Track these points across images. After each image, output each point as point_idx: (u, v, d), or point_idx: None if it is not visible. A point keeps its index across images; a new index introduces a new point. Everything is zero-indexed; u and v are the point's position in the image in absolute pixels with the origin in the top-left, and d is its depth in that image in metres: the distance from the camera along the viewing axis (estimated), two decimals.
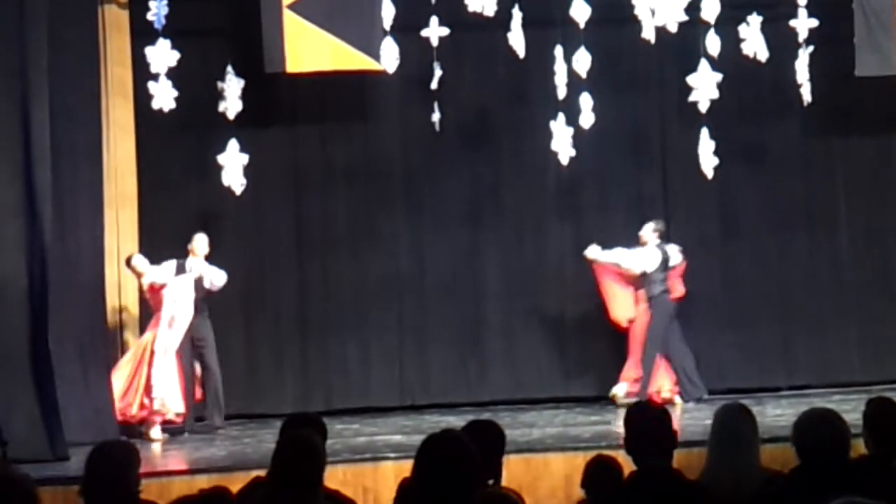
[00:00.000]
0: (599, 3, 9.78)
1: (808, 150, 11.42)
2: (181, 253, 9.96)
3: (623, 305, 10.61)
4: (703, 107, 9.96)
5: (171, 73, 9.36)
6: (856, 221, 11.46)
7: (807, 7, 9.98)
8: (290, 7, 9.65)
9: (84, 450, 4.73)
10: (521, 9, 9.85)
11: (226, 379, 10.23)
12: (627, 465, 4.35)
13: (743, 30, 10.02)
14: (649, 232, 10.54)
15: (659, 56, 10.47)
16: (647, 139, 11.31)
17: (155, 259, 9.94)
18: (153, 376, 9.53)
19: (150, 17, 9.35)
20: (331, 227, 10.76)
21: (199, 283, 9.81)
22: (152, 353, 9.57)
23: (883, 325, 11.36)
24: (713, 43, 9.79)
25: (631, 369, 10.54)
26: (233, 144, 9.86)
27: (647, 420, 4.19)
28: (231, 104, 9.94)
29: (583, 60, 9.80)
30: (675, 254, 10.63)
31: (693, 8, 9.73)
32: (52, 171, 8.90)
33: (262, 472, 5.03)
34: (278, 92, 10.48)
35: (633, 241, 11.28)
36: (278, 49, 9.65)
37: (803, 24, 9.99)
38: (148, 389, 9.53)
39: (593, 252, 10.52)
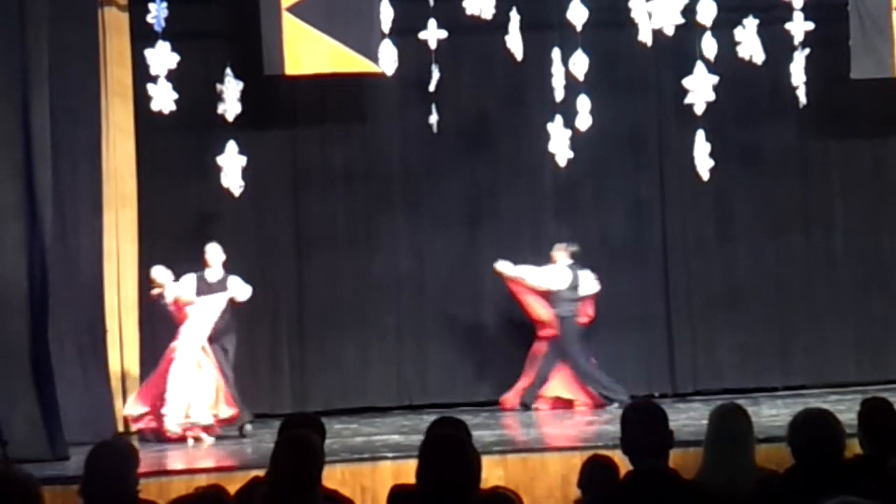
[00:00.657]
0: (596, 6, 9.81)
1: (804, 152, 11.47)
2: (180, 253, 9.98)
3: (542, 307, 10.65)
4: (699, 109, 10.00)
5: (171, 75, 9.38)
6: (851, 223, 11.51)
7: (802, 10, 10.02)
8: (290, 9, 9.68)
9: (83, 449, 4.75)
10: (518, 12, 9.88)
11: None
12: (624, 464, 4.38)
13: (739, 33, 10.06)
14: (560, 251, 10.61)
15: (656, 59, 10.52)
16: (644, 141, 11.36)
17: (156, 261, 9.96)
18: (175, 390, 9.43)
19: (149, 19, 9.37)
20: (329, 228, 10.80)
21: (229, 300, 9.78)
22: (172, 364, 9.50)
23: (878, 326, 11.41)
24: (709, 46, 9.82)
25: (522, 380, 10.61)
26: (231, 146, 9.89)
27: (644, 420, 4.22)
28: (230, 106, 9.96)
29: (580, 63, 9.84)
30: (589, 281, 10.67)
31: (689, 11, 9.76)
32: (52, 172, 8.93)
33: (260, 472, 5.07)
34: (277, 94, 10.52)
35: (630, 241, 11.36)
36: (277, 51, 9.68)
37: (799, 26, 10.03)
38: (163, 402, 9.44)
39: (502, 266, 10.55)
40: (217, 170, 9.91)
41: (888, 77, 10.39)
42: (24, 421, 8.62)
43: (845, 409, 5.30)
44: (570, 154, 10.13)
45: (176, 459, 8.80)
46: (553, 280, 10.58)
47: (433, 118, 9.97)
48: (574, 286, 10.60)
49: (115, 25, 10.18)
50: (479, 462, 3.77)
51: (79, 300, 9.57)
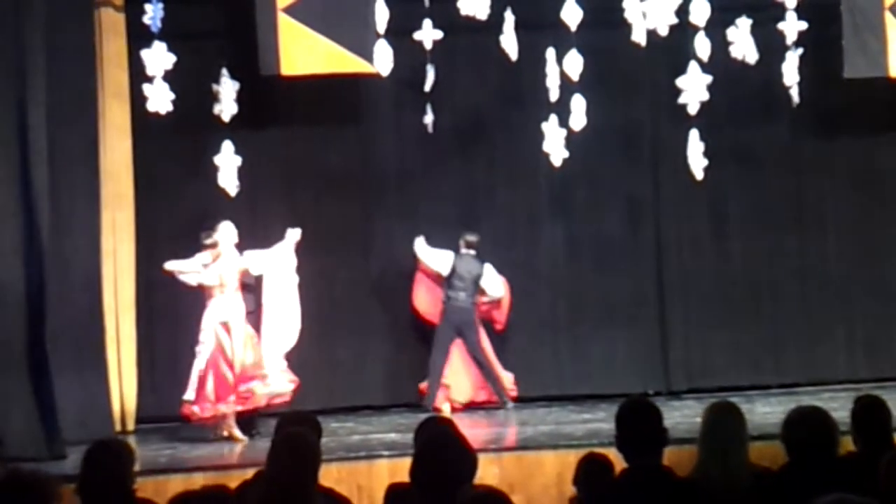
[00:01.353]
0: (591, 7, 9.84)
1: (798, 152, 11.51)
2: (177, 253, 9.99)
3: (424, 297, 10.79)
4: (693, 109, 10.03)
5: (167, 76, 9.40)
6: (845, 222, 11.55)
7: (795, 10, 10.05)
8: (285, 10, 9.71)
9: (80, 448, 4.77)
10: (513, 12, 9.90)
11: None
12: (619, 462, 4.42)
13: (732, 32, 10.09)
14: (461, 239, 10.65)
15: (649, 59, 10.54)
16: (638, 141, 11.39)
17: (153, 260, 9.98)
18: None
19: (146, 19, 9.37)
20: (325, 228, 10.81)
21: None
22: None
23: (871, 324, 11.46)
24: (703, 45, 9.85)
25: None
26: (227, 146, 9.91)
27: (638, 418, 4.25)
28: (226, 106, 9.98)
29: (574, 63, 9.86)
30: (493, 281, 10.67)
31: (683, 11, 9.79)
32: (49, 173, 8.95)
33: (257, 471, 5.10)
34: (273, 94, 10.53)
35: (624, 240, 11.39)
36: (273, 52, 9.70)
37: (792, 26, 10.06)
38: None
39: (418, 245, 10.70)
40: (213, 170, 9.93)
41: (881, 76, 10.43)
42: (21, 419, 8.64)
43: (838, 406, 5.33)
44: (565, 154, 10.15)
45: (171, 458, 8.81)
46: (438, 262, 10.64)
47: (428, 118, 9.99)
48: (463, 275, 10.54)
49: (111, 26, 10.19)
50: (474, 460, 3.80)
51: (76, 299, 9.59)
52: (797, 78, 10.11)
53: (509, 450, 8.33)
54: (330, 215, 10.97)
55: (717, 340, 11.32)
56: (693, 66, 9.95)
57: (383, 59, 9.78)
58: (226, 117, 10.00)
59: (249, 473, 5.62)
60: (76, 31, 9.73)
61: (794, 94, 10.17)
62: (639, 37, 9.85)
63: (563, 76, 9.94)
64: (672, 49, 10.13)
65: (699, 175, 10.24)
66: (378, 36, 9.75)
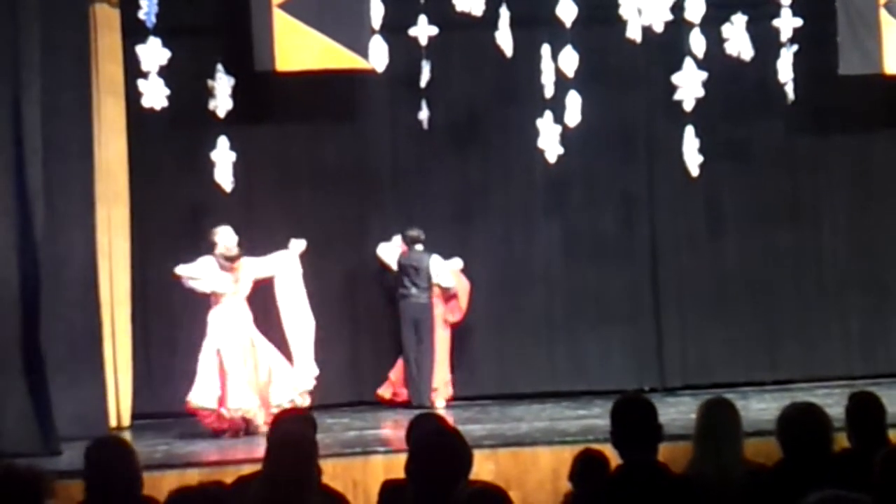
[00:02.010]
0: (586, 3, 9.84)
1: (793, 148, 11.52)
2: (173, 249, 9.99)
3: None
4: (689, 105, 10.04)
5: (162, 72, 9.38)
6: (840, 218, 11.57)
7: (790, 6, 10.06)
8: (280, 6, 9.70)
9: (75, 445, 4.78)
10: (508, 8, 9.90)
11: None
12: (614, 458, 4.43)
13: (727, 29, 10.09)
14: (403, 236, 10.67)
15: (645, 55, 10.54)
16: (633, 137, 11.40)
17: (149, 257, 9.98)
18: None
19: (141, 15, 9.35)
20: (320, 225, 10.81)
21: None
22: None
23: (866, 320, 11.48)
24: (698, 42, 9.86)
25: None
26: (223, 142, 9.90)
27: (633, 414, 4.26)
28: (221, 102, 9.96)
29: (569, 59, 9.87)
30: (439, 273, 10.61)
31: (678, 7, 9.79)
32: (43, 169, 8.93)
33: (253, 467, 5.10)
34: (268, 90, 10.52)
35: (619, 237, 11.40)
36: (268, 48, 9.70)
37: (787, 23, 10.06)
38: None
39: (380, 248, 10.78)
40: (208, 166, 9.92)
41: (876, 73, 10.45)
42: (17, 416, 8.64)
43: (833, 402, 5.34)
44: (560, 150, 10.16)
45: (166, 454, 8.81)
46: (384, 254, 10.71)
47: (423, 114, 9.99)
48: (411, 270, 10.53)
49: (106, 22, 10.17)
50: (469, 455, 3.81)
51: (71, 296, 9.57)
52: (792, 75, 10.12)
53: (505, 445, 8.33)
54: (325, 212, 10.97)
55: (712, 337, 11.34)
56: (688, 63, 9.96)
57: (378, 56, 9.78)
58: (221, 113, 9.98)
59: (245, 470, 5.64)
60: (71, 27, 9.70)
61: (789, 90, 10.18)
62: (634, 33, 9.86)
63: (559, 72, 9.94)
64: (667, 45, 10.14)
65: (694, 172, 10.25)
66: (373, 32, 9.75)
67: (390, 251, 10.75)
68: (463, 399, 10.79)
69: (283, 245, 10.52)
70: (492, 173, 11.29)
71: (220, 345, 9.53)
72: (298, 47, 9.75)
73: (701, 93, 10.00)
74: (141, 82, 9.42)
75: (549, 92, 10.01)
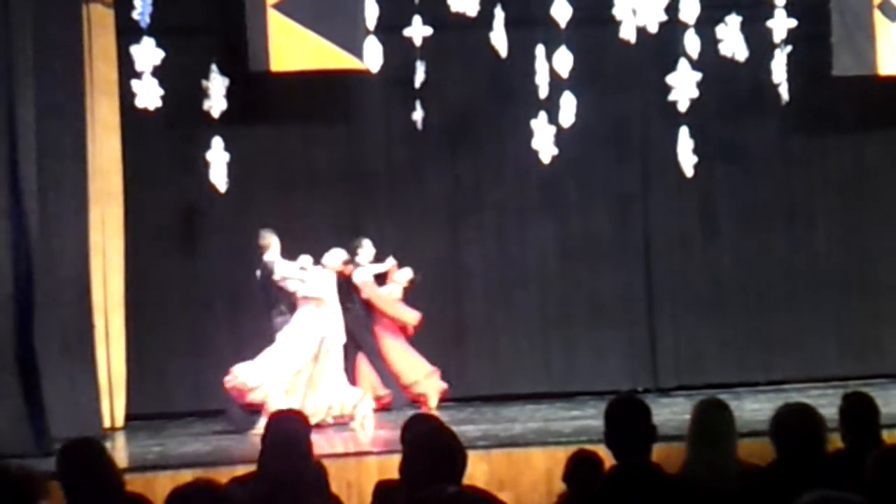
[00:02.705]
0: (580, 4, 9.84)
1: (787, 149, 11.54)
2: (167, 249, 9.99)
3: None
4: (683, 106, 10.04)
5: (156, 72, 9.37)
6: (833, 218, 11.59)
7: (785, 7, 10.07)
8: (275, 6, 9.69)
9: None
10: (503, 9, 9.91)
11: (215, 375, 10.30)
12: (608, 459, 4.42)
13: (721, 30, 10.10)
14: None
15: (639, 56, 10.54)
16: (628, 138, 11.41)
17: (142, 257, 9.97)
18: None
19: (135, 15, 9.32)
20: (315, 225, 10.81)
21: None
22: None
23: (859, 321, 11.50)
24: (692, 43, 9.87)
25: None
26: (217, 142, 9.89)
27: (628, 415, 4.26)
28: (216, 102, 9.95)
29: (564, 60, 9.87)
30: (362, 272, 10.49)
31: (673, 8, 9.80)
32: (37, 169, 8.92)
33: (246, 468, 5.08)
34: (263, 90, 10.52)
35: (613, 237, 11.41)
36: (262, 48, 9.69)
37: (781, 24, 10.07)
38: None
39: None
40: (203, 166, 9.91)
41: (870, 74, 10.46)
42: (10, 417, 8.62)
43: (827, 403, 5.33)
44: (555, 151, 10.16)
45: (160, 454, 8.80)
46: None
47: (417, 115, 9.99)
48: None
49: (100, 22, 10.16)
50: (463, 456, 3.80)
51: (65, 296, 9.56)
52: (786, 76, 10.13)
53: (499, 446, 8.33)
54: (319, 211, 10.97)
55: (705, 337, 11.35)
56: (683, 64, 9.96)
57: (373, 56, 9.78)
58: (215, 113, 9.97)
59: (239, 470, 5.62)
60: (65, 27, 9.69)
61: (783, 91, 10.19)
62: (628, 34, 9.86)
63: (553, 73, 9.95)
64: (662, 46, 10.14)
65: (689, 172, 10.25)
66: (368, 32, 9.74)
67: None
68: (457, 400, 10.79)
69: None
70: (486, 174, 11.30)
71: (288, 343, 9.56)
72: (293, 47, 9.74)
73: (695, 93, 10.01)
74: (135, 82, 9.41)
75: (543, 92, 10.01)
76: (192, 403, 10.70)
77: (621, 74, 11.09)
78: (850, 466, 3.95)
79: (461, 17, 9.71)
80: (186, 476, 7.50)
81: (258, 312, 10.70)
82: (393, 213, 11.10)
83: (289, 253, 10.27)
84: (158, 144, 10.67)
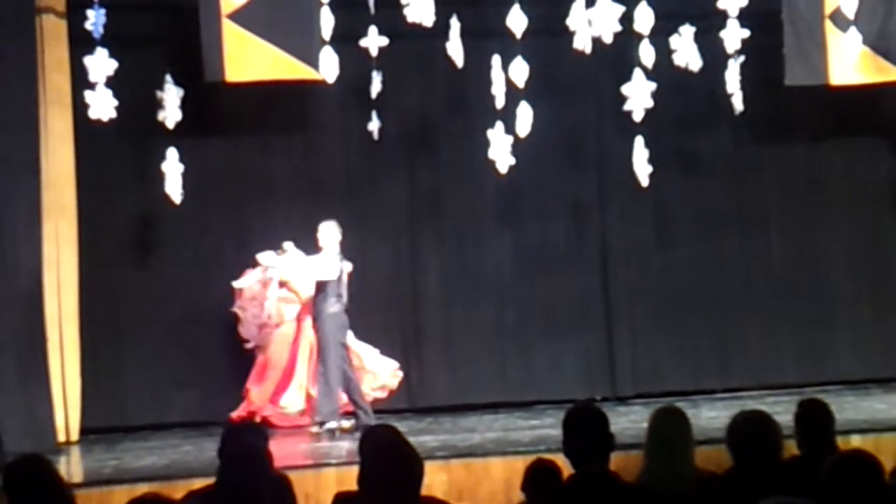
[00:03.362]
0: (536, 14, 9.88)
1: (741, 158, 11.64)
2: (122, 261, 9.90)
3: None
4: (638, 116, 10.10)
5: (111, 82, 9.30)
6: (787, 227, 11.70)
7: (738, 18, 10.16)
8: (230, 16, 9.64)
9: None
10: (459, 19, 9.93)
11: (171, 388, 10.25)
12: (566, 468, 4.43)
13: (675, 40, 10.18)
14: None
15: (595, 66, 10.60)
16: (584, 147, 11.45)
17: (96, 269, 9.88)
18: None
19: (88, 26, 9.27)
20: (272, 236, 10.75)
21: None
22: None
23: (814, 328, 11.61)
24: (647, 53, 9.93)
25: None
26: (172, 153, 9.83)
27: (585, 424, 4.27)
28: (170, 113, 9.89)
29: (520, 70, 9.91)
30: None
31: (627, 19, 9.87)
32: None
33: (203, 481, 5.05)
34: (218, 101, 10.46)
35: (570, 246, 11.45)
36: (217, 58, 9.63)
37: (734, 34, 10.16)
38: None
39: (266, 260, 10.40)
40: (158, 177, 9.84)
41: (822, 84, 10.58)
42: None
43: (782, 410, 5.38)
44: (511, 161, 10.18)
45: (116, 468, 8.72)
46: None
47: (374, 125, 9.97)
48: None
49: (52, 32, 10.06)
50: (421, 467, 3.80)
51: (18, 309, 9.46)
52: (739, 85, 10.22)
53: (458, 457, 8.33)
54: (276, 223, 10.91)
55: (662, 345, 11.41)
56: (638, 74, 10.03)
57: (329, 66, 9.76)
58: (170, 124, 9.91)
59: (196, 483, 5.59)
60: (17, 38, 9.59)
61: (736, 101, 10.28)
62: (584, 44, 9.91)
63: (509, 83, 9.98)
64: (617, 57, 10.20)
65: (644, 181, 10.31)
66: (324, 42, 9.72)
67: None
68: (415, 410, 10.77)
69: (231, 257, 10.52)
70: (443, 184, 11.30)
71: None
72: (248, 58, 9.70)
73: (650, 103, 10.07)
74: (88, 93, 9.34)
75: (499, 102, 10.03)
76: (148, 417, 10.61)
77: (577, 85, 11.15)
78: (806, 473, 3.98)
79: (417, 28, 9.72)
80: (143, 490, 7.42)
81: (215, 324, 10.66)
82: (350, 223, 11.04)
83: (245, 264, 10.23)
84: (113, 156, 10.58)
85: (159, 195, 9.86)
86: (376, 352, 10.38)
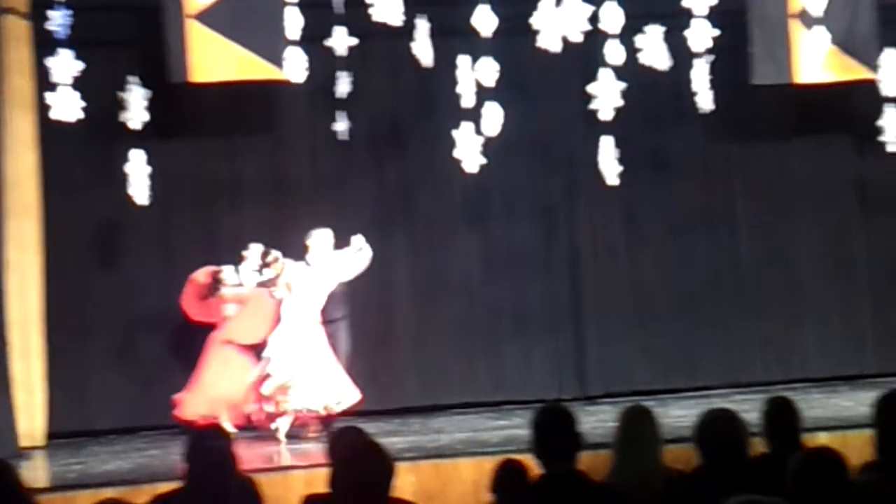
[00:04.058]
0: (504, 14, 9.87)
1: (709, 157, 11.68)
2: (86, 263, 9.81)
3: None
4: (606, 115, 10.11)
5: (74, 84, 9.22)
6: (754, 225, 11.75)
7: (706, 17, 10.19)
8: (194, 16, 9.58)
9: None
10: (426, 19, 9.91)
11: (136, 392, 10.16)
12: (535, 468, 4.42)
13: (642, 39, 10.20)
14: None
15: (563, 65, 10.60)
16: (552, 147, 11.45)
17: (60, 272, 9.78)
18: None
19: (51, 27, 9.20)
20: (239, 237, 10.70)
21: None
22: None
23: (781, 326, 11.67)
24: (615, 52, 9.95)
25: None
26: (137, 155, 9.75)
27: (553, 423, 4.26)
28: (135, 114, 9.81)
29: (488, 69, 9.90)
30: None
31: (595, 18, 9.87)
32: None
33: (168, 485, 5.01)
34: (184, 102, 10.38)
35: (539, 245, 11.45)
36: (182, 59, 9.57)
37: (701, 33, 10.19)
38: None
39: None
40: (123, 179, 9.76)
41: (788, 83, 10.63)
42: None
43: (750, 408, 5.39)
44: (480, 160, 10.17)
45: (81, 473, 8.65)
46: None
47: (341, 125, 9.93)
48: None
49: (15, 34, 9.96)
50: (391, 468, 3.78)
51: None
52: (706, 85, 10.25)
53: (427, 458, 8.31)
54: (243, 224, 10.86)
55: (631, 345, 11.43)
56: (606, 73, 10.04)
57: (296, 66, 9.72)
58: (135, 125, 9.83)
59: (162, 487, 5.54)
60: None
61: (704, 100, 10.30)
62: (552, 43, 9.91)
63: (477, 83, 9.96)
64: (585, 56, 10.21)
65: (612, 181, 10.32)
66: (290, 42, 9.68)
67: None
68: (384, 411, 10.73)
69: (199, 258, 10.45)
70: (411, 184, 11.28)
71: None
72: (214, 58, 9.64)
73: (618, 102, 10.08)
74: (51, 95, 9.25)
75: (467, 102, 10.02)
76: (113, 421, 10.53)
77: (545, 84, 11.14)
78: (773, 470, 3.99)
79: (384, 27, 9.69)
80: (108, 494, 7.39)
81: (180, 327, 10.59)
82: (318, 224, 10.99)
83: (214, 265, 10.14)
84: (77, 157, 10.49)
85: (124, 197, 9.78)
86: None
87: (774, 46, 10.53)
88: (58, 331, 10.33)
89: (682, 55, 10.25)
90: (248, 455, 8.43)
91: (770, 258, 11.73)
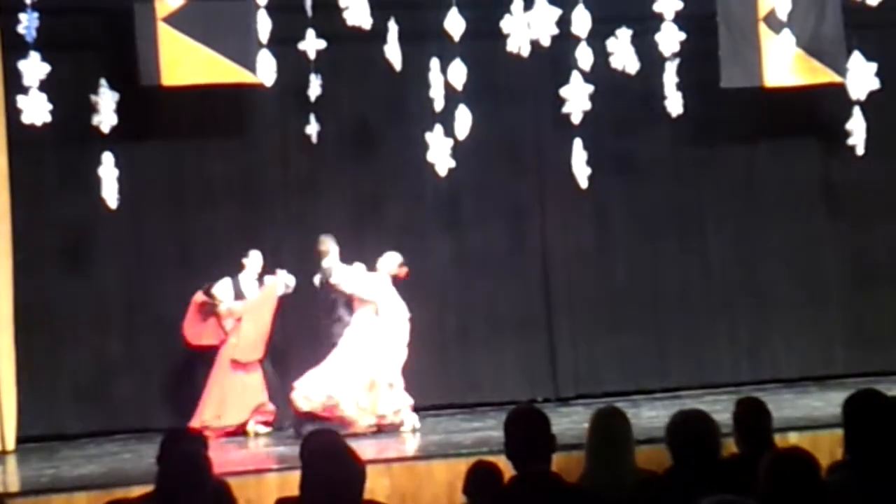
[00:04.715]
0: (474, 17, 9.90)
1: (678, 159, 11.74)
2: (56, 267, 9.76)
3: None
4: (576, 118, 10.16)
5: (45, 87, 9.19)
6: (724, 227, 11.82)
7: (675, 21, 10.25)
8: (165, 20, 9.57)
9: None
10: (396, 22, 9.93)
11: (108, 395, 10.09)
12: (508, 470, 4.44)
13: (612, 43, 10.25)
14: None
15: (533, 69, 10.64)
16: (523, 150, 11.49)
17: (30, 275, 9.72)
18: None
19: (20, 29, 9.15)
20: (212, 241, 10.68)
21: None
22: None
23: (751, 327, 11.74)
24: (585, 56, 9.99)
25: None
26: (108, 158, 9.72)
27: (526, 425, 4.28)
28: (105, 117, 9.79)
29: (458, 73, 9.92)
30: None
31: (565, 22, 9.92)
32: None
33: (142, 488, 5.00)
34: (154, 105, 10.36)
35: (510, 248, 11.46)
36: (153, 62, 9.56)
37: (670, 37, 10.26)
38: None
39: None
40: (94, 182, 9.73)
41: (756, 86, 10.70)
42: None
43: (721, 409, 5.43)
44: (451, 164, 10.19)
45: (53, 477, 8.60)
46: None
47: (312, 128, 9.93)
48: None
49: None
50: (362, 471, 3.78)
51: None
52: (675, 88, 10.31)
53: (400, 460, 8.31)
54: (214, 227, 10.83)
55: (603, 347, 11.48)
56: (575, 76, 10.08)
57: (266, 69, 9.72)
58: (105, 129, 9.81)
59: (135, 491, 5.53)
60: None
61: (674, 103, 10.37)
62: (522, 47, 9.94)
63: (448, 86, 9.98)
64: (555, 59, 10.25)
65: (583, 184, 10.37)
66: (261, 46, 9.68)
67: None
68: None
69: (171, 261, 10.42)
70: (383, 187, 11.28)
71: (347, 349, 9.65)
72: (184, 61, 9.63)
73: (588, 106, 10.13)
74: (21, 98, 9.21)
75: (438, 105, 10.04)
76: (85, 425, 10.48)
77: (515, 87, 11.17)
78: (745, 471, 4.01)
79: (355, 31, 9.71)
80: (80, 499, 7.38)
81: (152, 330, 10.55)
82: (289, 227, 11.02)
83: (181, 268, 10.11)
84: (47, 161, 10.44)
85: (95, 200, 9.74)
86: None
87: (743, 50, 10.61)
88: (29, 334, 10.28)
89: (651, 59, 10.30)
90: (221, 458, 8.41)
91: (739, 259, 11.80)
